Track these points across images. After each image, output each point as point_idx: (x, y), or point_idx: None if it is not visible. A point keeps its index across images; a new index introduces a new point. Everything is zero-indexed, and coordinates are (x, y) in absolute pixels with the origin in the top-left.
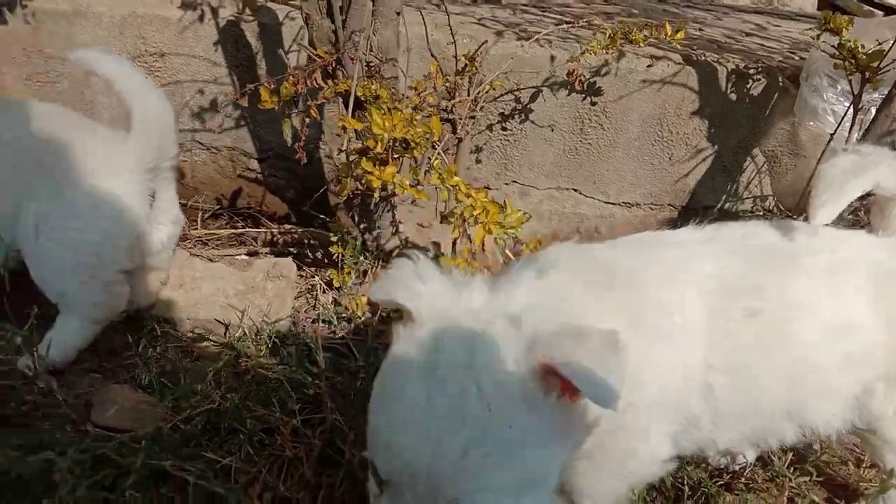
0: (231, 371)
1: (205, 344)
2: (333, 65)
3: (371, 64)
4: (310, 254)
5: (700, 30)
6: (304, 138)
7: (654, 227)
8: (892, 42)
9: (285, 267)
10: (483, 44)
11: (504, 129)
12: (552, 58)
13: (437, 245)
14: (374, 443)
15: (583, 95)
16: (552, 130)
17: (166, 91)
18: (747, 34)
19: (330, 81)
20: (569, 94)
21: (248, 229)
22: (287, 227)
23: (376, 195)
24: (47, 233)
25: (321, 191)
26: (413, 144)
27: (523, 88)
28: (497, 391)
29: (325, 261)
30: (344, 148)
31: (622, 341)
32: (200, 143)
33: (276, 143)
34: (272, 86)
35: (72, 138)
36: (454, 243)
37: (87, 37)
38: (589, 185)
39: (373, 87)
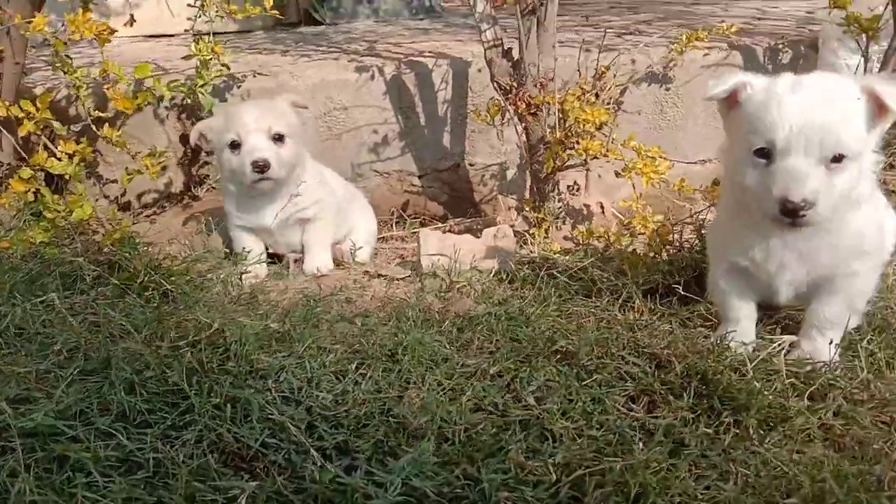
0: None
1: None
2: (516, 87)
3: (541, 82)
4: None
5: (722, 21)
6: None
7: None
8: (883, 8)
9: (505, 230)
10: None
11: None
12: (633, 61)
13: (587, 206)
14: (778, 124)
15: (659, 85)
16: (639, 114)
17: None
18: (759, 19)
19: (516, 102)
20: (649, 86)
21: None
22: (460, 219)
23: (581, 157)
24: None
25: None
26: (603, 123)
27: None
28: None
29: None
30: (548, 137)
31: None
32: (376, 171)
33: (431, 160)
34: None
35: None
36: None
37: None
38: (672, 150)
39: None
